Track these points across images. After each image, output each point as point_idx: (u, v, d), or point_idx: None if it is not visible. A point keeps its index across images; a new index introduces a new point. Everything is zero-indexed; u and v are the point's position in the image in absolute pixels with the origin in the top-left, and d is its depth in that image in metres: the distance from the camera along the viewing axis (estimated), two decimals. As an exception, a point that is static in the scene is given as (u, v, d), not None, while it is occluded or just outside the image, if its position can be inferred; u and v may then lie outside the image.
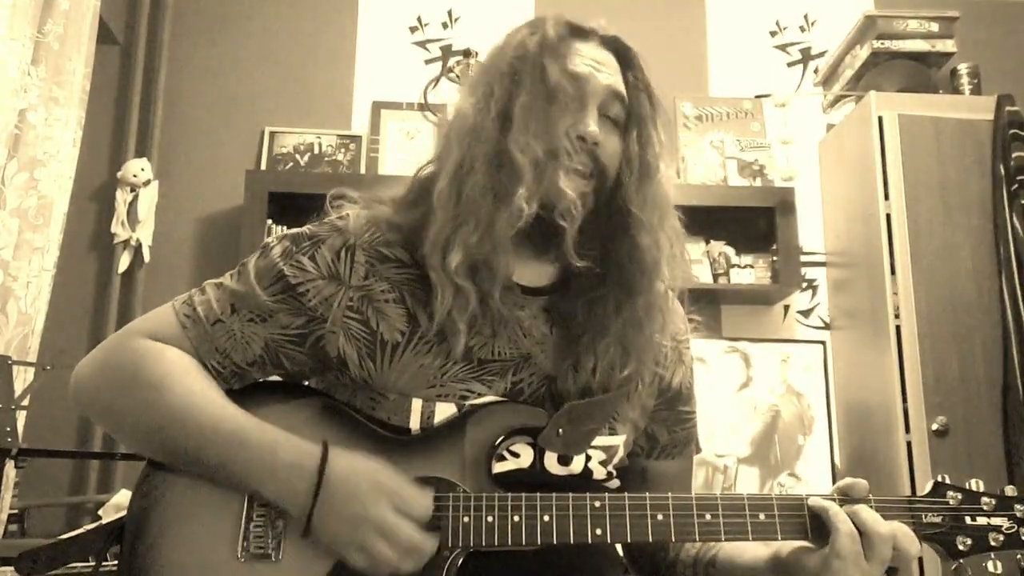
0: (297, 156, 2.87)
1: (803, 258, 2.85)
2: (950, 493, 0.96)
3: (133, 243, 2.74)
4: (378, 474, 0.90)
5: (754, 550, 0.99)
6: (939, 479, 0.97)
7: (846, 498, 0.94)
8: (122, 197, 2.75)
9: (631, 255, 0.99)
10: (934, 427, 2.31)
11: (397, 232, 1.01)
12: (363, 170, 2.84)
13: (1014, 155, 2.45)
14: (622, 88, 1.01)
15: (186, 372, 0.97)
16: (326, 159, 2.87)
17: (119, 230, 2.74)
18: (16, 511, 2.19)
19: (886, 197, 2.49)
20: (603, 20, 1.04)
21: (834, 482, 2.43)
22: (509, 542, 0.90)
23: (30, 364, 2.28)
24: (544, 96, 0.95)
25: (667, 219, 1.02)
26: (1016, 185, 2.43)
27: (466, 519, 0.91)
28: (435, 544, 0.89)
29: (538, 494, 0.92)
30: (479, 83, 1.00)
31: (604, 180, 0.99)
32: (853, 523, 0.89)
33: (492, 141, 0.95)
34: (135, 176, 2.75)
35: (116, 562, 0.95)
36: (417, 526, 0.89)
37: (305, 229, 1.03)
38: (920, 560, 2.24)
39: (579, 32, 1.01)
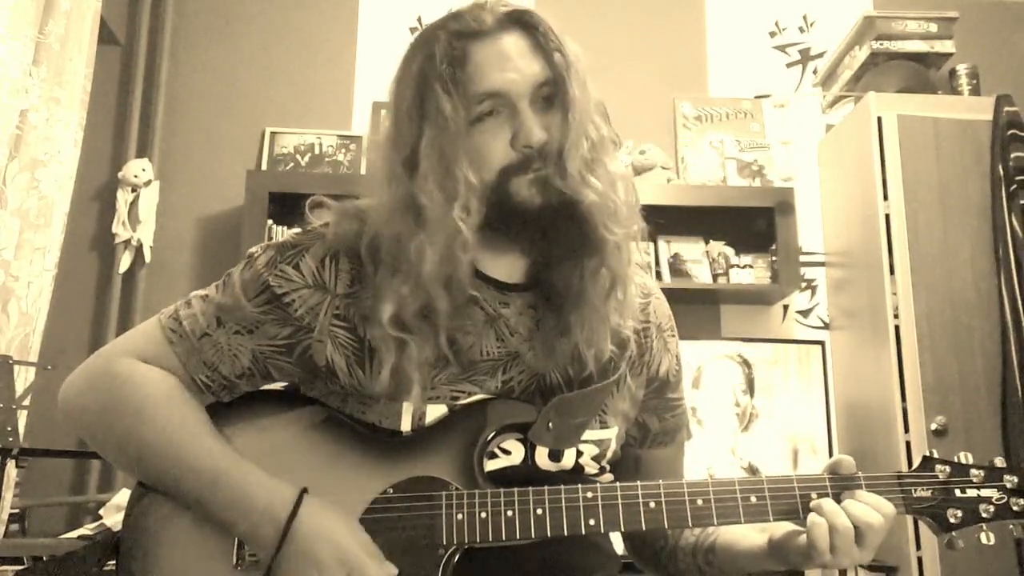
0: (298, 156, 2.87)
1: (802, 258, 2.85)
2: (939, 467, 0.96)
3: (134, 243, 2.74)
4: (344, 540, 0.90)
5: (752, 536, 1.00)
6: (928, 454, 0.97)
7: (836, 477, 0.95)
8: (123, 197, 2.76)
9: (573, 215, 0.93)
10: (933, 427, 2.31)
11: (377, 238, 0.99)
12: (363, 171, 2.83)
13: (1013, 155, 2.45)
14: (540, 69, 0.94)
15: (167, 400, 0.96)
16: (327, 159, 2.87)
17: (120, 230, 2.74)
18: (17, 511, 2.19)
19: (885, 197, 2.49)
20: None
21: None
22: (503, 537, 0.91)
23: (31, 364, 2.29)
24: (456, 132, 0.91)
25: (597, 167, 0.94)
26: (1015, 185, 2.43)
27: (459, 516, 0.92)
28: None
29: (530, 488, 0.93)
30: (390, 124, 0.97)
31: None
32: (847, 517, 0.89)
33: (404, 187, 0.93)
34: (136, 176, 2.75)
35: (114, 569, 0.96)
36: None
37: (288, 238, 1.03)
38: (920, 559, 2.25)
39: (473, 34, 0.94)
